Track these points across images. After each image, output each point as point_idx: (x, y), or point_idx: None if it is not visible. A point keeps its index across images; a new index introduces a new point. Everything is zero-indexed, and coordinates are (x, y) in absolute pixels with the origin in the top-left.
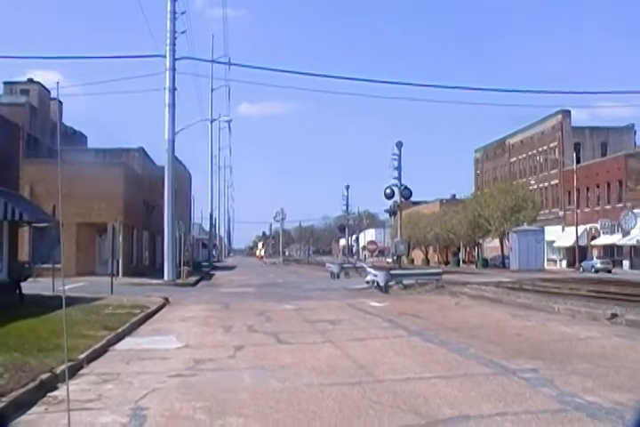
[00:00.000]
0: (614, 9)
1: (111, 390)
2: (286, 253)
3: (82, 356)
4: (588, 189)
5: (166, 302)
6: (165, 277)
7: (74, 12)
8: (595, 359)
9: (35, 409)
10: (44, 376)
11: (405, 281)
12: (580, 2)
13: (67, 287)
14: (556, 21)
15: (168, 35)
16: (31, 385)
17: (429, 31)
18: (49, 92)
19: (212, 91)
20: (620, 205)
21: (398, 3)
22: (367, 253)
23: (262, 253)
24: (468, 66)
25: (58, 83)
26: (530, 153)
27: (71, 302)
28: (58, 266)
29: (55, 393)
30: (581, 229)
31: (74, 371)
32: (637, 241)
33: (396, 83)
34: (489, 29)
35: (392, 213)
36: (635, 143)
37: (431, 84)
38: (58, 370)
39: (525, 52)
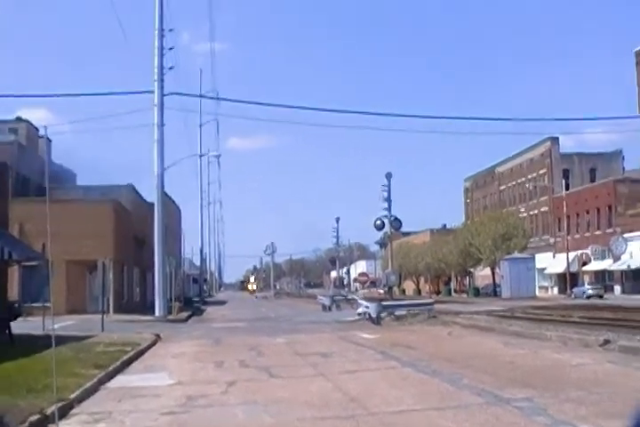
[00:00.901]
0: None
1: None
2: (277, 287)
3: (73, 395)
4: (577, 216)
5: (158, 338)
6: (157, 314)
7: (61, 53)
8: (588, 386)
9: None
10: (33, 418)
11: (397, 312)
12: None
13: (57, 326)
14: (543, 48)
15: (156, 70)
16: None
17: (419, 66)
18: (37, 129)
19: (200, 126)
20: (610, 230)
21: (380, 34)
22: (358, 284)
23: (254, 287)
24: (458, 94)
25: (46, 127)
26: (519, 181)
27: (61, 340)
28: (48, 305)
29: None
30: (572, 255)
31: (65, 411)
32: (628, 266)
33: (384, 114)
34: (475, 58)
35: (382, 244)
36: (623, 169)
37: (418, 114)
38: (48, 411)
39: (513, 81)
